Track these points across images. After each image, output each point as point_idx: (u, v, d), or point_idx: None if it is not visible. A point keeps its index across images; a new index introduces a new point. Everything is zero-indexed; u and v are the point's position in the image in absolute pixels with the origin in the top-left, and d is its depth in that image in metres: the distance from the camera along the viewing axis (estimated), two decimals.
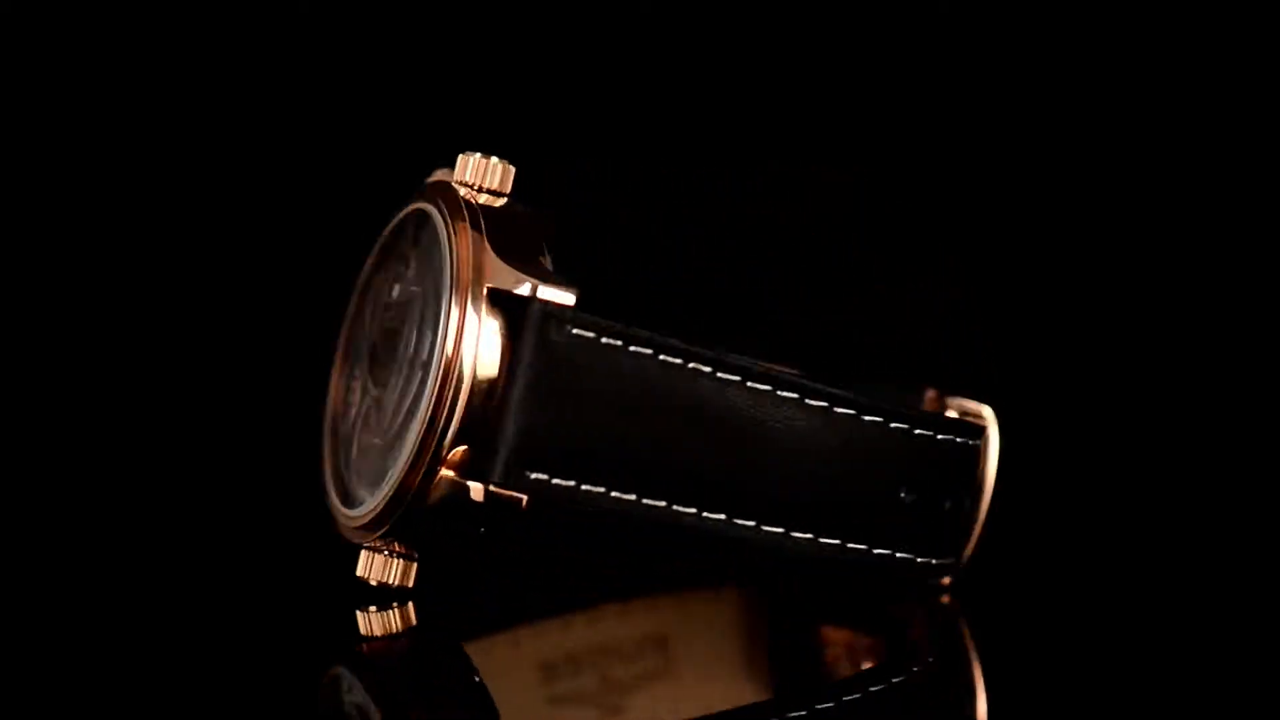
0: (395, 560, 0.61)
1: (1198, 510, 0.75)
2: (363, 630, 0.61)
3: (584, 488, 0.57)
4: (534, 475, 0.57)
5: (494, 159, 0.61)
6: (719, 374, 0.57)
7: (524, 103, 0.86)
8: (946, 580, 0.62)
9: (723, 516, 0.58)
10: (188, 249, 0.84)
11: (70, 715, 0.54)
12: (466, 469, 0.57)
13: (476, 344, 0.57)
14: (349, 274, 0.65)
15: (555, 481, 0.57)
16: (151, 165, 0.84)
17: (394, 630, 0.61)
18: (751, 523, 0.58)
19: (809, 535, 0.58)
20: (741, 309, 0.85)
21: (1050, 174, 0.85)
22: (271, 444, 0.77)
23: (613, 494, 0.57)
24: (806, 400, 0.58)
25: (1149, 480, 0.78)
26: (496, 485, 0.57)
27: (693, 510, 0.57)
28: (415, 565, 0.61)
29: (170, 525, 0.70)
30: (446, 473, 0.57)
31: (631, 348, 0.57)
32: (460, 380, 0.57)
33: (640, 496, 0.57)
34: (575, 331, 0.57)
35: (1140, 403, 0.82)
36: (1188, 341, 0.83)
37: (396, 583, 0.61)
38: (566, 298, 0.57)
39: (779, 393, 0.57)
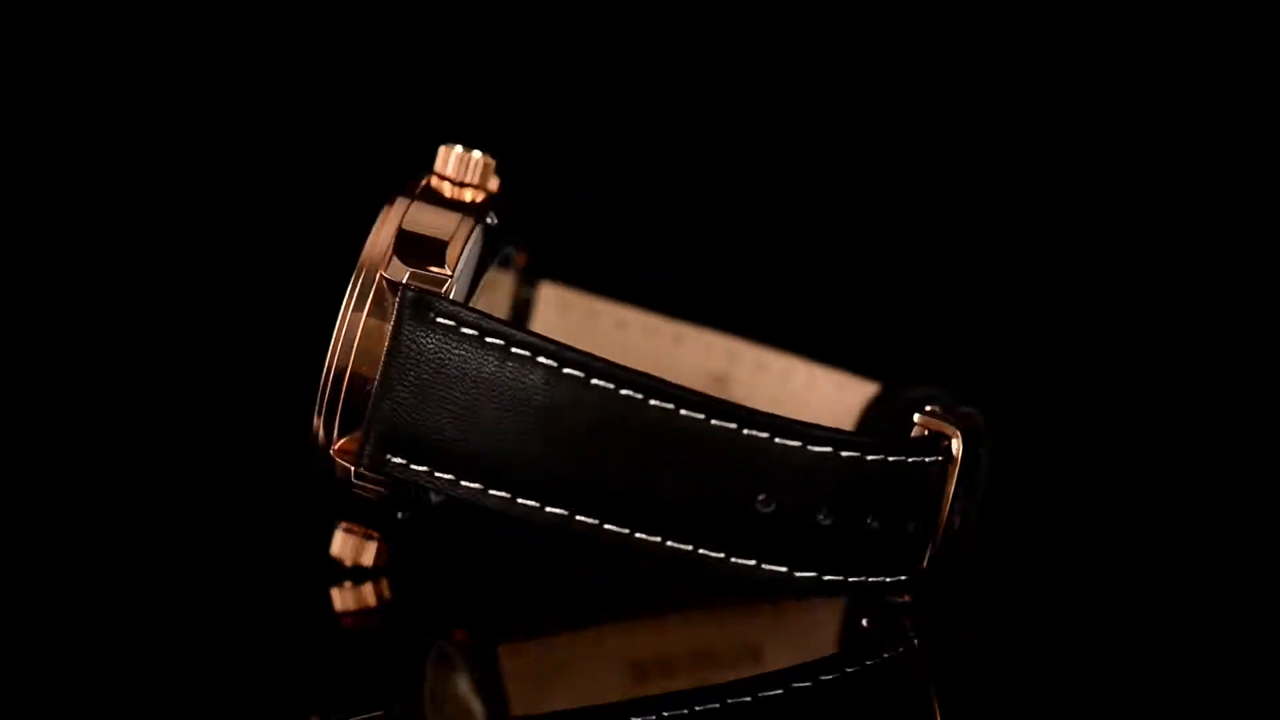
0: (368, 542, 0.62)
1: (1197, 509, 0.75)
2: (337, 607, 0.62)
3: (437, 474, 0.57)
4: (394, 459, 0.57)
5: (474, 153, 0.61)
6: (564, 369, 0.57)
7: (523, 103, 0.86)
8: (906, 598, 0.61)
9: (564, 512, 0.57)
10: (187, 247, 0.84)
11: (45, 685, 0.55)
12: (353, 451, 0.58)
13: (359, 332, 0.58)
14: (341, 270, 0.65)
15: (413, 466, 0.57)
16: (151, 164, 0.84)
17: (365, 608, 0.62)
18: (593, 520, 0.57)
19: (657, 538, 0.57)
20: (741, 309, 0.85)
21: (1050, 174, 0.85)
22: (258, 428, 0.77)
23: (462, 483, 0.57)
24: (651, 401, 0.57)
25: (1148, 479, 0.78)
26: (363, 467, 0.57)
27: (535, 504, 0.57)
28: (389, 546, 0.62)
29: (152, 510, 0.70)
30: (338, 455, 0.58)
31: (487, 339, 0.57)
32: (344, 366, 0.58)
33: (486, 487, 0.57)
34: (438, 320, 0.57)
35: (1140, 402, 0.82)
36: (1187, 341, 0.83)
37: (370, 563, 0.62)
38: (436, 286, 0.58)
39: (621, 391, 0.57)
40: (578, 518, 0.57)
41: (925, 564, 0.60)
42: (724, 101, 0.87)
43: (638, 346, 0.72)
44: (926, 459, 0.59)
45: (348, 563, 0.62)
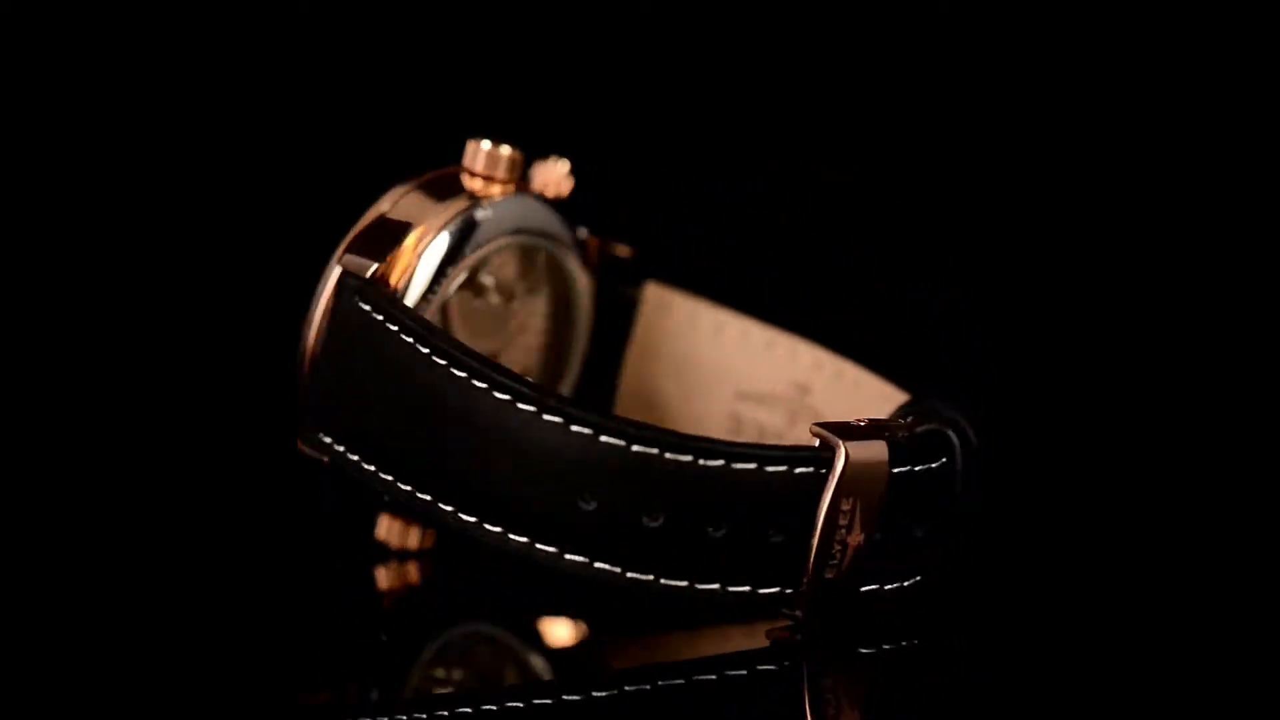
0: (413, 526, 0.63)
1: (1198, 509, 0.75)
2: (381, 586, 0.63)
3: (349, 455, 0.59)
4: (324, 438, 0.59)
5: (503, 149, 0.63)
6: (434, 357, 0.57)
7: (524, 103, 0.86)
8: (798, 613, 0.58)
9: (429, 499, 0.58)
10: (188, 249, 0.84)
11: (86, 669, 0.56)
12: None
13: (319, 312, 0.61)
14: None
15: (335, 446, 0.59)
16: (152, 164, 0.84)
17: (407, 587, 0.63)
18: (449, 508, 0.57)
19: (499, 529, 0.57)
20: (741, 309, 0.85)
21: (1050, 174, 0.85)
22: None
23: (363, 464, 0.59)
24: (495, 393, 0.57)
25: (1150, 481, 0.78)
26: (301, 443, 0.60)
27: (409, 489, 0.58)
28: (434, 531, 0.63)
29: (196, 491, 0.70)
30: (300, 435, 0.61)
31: (388, 324, 0.58)
32: (306, 346, 0.61)
33: (378, 470, 0.58)
34: (361, 305, 0.59)
35: (1141, 403, 0.82)
36: (1188, 341, 0.83)
37: (415, 546, 0.63)
38: (363, 270, 0.60)
39: (473, 381, 0.57)
40: (439, 504, 0.58)
41: (809, 577, 0.57)
42: (724, 102, 0.87)
43: (731, 351, 0.71)
44: (796, 469, 0.57)
45: (394, 546, 0.63)
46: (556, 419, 0.56)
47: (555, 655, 0.62)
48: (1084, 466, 0.79)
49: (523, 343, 0.68)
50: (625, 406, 0.71)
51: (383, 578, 0.64)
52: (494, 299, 0.66)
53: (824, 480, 0.57)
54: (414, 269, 0.61)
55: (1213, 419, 0.80)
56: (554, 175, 0.65)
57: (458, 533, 0.57)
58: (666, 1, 0.86)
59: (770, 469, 0.56)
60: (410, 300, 0.61)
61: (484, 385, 0.56)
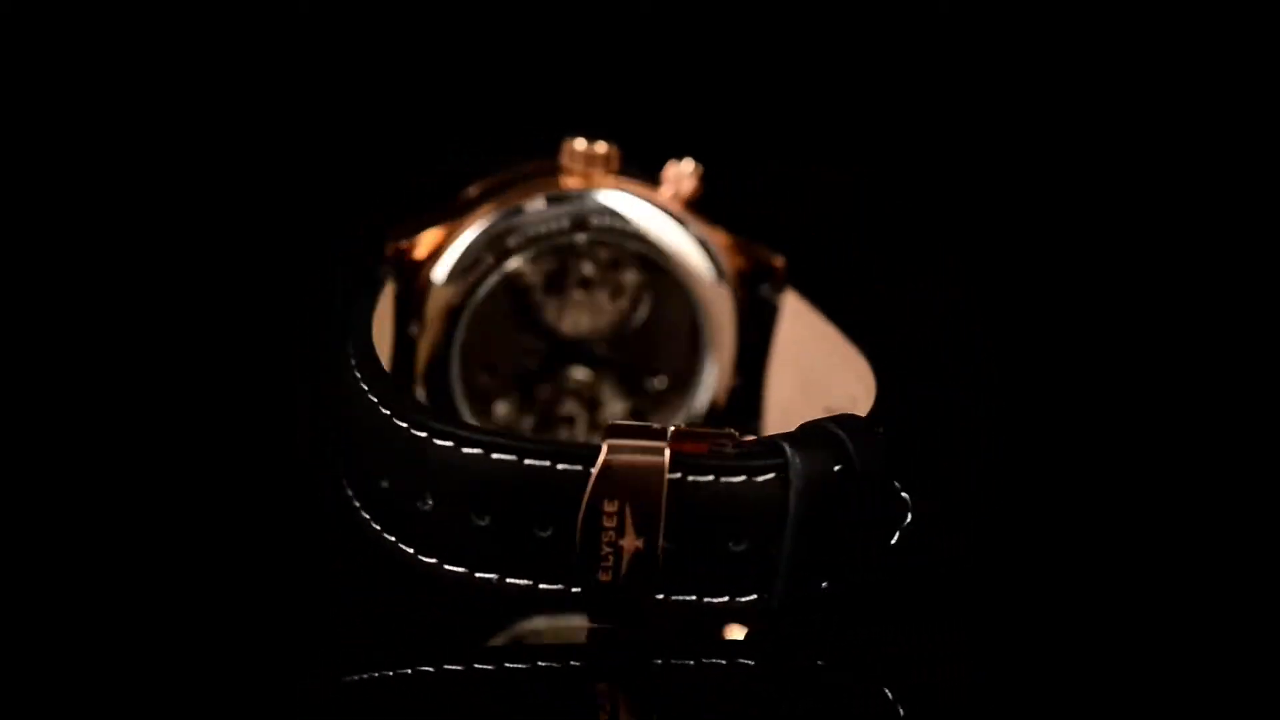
0: None
1: (1198, 510, 0.75)
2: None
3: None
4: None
5: (599, 145, 0.67)
6: (351, 360, 0.59)
7: (524, 103, 0.86)
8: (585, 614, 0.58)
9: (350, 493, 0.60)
10: (188, 250, 0.84)
11: (88, 668, 0.56)
12: None
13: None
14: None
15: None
16: (153, 166, 0.84)
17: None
18: (357, 503, 0.59)
19: (354, 501, 0.59)
20: None
21: (1050, 174, 0.85)
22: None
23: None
24: (383, 408, 0.58)
25: (1148, 479, 0.78)
26: None
27: (344, 482, 0.60)
28: None
29: (196, 490, 0.70)
30: None
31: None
32: None
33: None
34: (379, 274, 0.65)
35: (1140, 403, 0.82)
36: (1188, 342, 0.83)
37: None
38: (385, 249, 0.65)
39: (364, 387, 0.58)
40: (355, 503, 0.59)
41: (580, 578, 0.56)
42: (724, 101, 0.87)
43: (823, 363, 0.72)
44: (559, 465, 0.56)
45: None
46: (374, 399, 0.57)
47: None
48: (1083, 466, 0.79)
49: (646, 334, 0.71)
50: (771, 418, 0.72)
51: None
52: (585, 289, 0.68)
53: (586, 479, 0.55)
54: (443, 251, 0.65)
55: (1212, 418, 0.80)
56: (681, 176, 0.68)
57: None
58: (666, 1, 0.86)
59: (530, 462, 0.55)
60: (441, 278, 0.65)
61: (353, 362, 0.59)
